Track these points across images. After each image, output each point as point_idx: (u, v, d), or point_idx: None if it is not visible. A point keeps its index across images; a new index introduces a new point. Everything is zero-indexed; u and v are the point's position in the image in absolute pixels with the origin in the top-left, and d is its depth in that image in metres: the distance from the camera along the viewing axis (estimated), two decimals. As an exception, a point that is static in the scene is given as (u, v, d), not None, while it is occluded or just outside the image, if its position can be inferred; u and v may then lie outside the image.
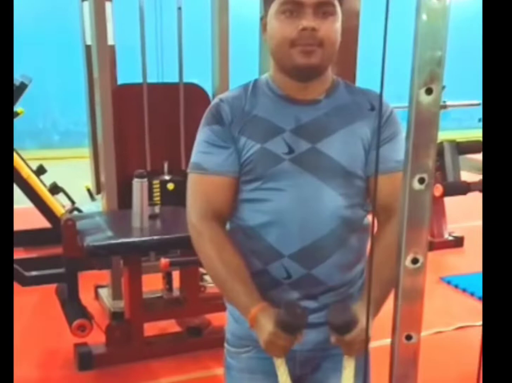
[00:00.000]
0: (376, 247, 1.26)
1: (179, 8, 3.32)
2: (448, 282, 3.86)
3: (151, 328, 2.92)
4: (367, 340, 1.23)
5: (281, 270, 1.31)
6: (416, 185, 0.69)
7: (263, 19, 1.31)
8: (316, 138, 1.28)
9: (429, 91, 0.64)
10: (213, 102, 1.36)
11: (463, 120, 9.53)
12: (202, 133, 1.34)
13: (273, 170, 1.28)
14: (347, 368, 1.25)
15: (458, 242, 4.55)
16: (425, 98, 0.64)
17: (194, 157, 1.34)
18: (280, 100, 1.32)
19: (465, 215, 5.00)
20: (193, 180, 1.34)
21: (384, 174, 1.24)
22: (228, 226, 1.38)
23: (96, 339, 2.77)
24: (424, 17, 0.61)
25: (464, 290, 3.72)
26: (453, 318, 3.33)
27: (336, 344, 1.23)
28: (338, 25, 1.26)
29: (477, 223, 4.19)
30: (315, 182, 1.27)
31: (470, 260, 4.09)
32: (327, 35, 1.24)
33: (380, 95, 0.73)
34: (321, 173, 1.27)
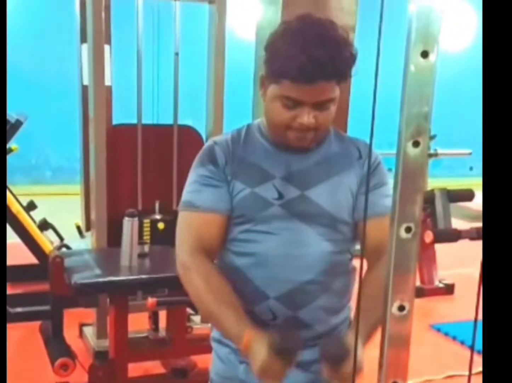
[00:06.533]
0: (365, 288, 1.26)
1: (176, 54, 3.39)
2: (438, 330, 3.84)
3: (135, 369, 2.86)
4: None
5: (266, 311, 1.32)
6: (403, 234, 0.70)
7: (262, 78, 1.30)
8: (305, 186, 1.31)
9: (416, 144, 0.66)
10: (207, 144, 1.38)
11: (455, 168, 9.63)
12: (195, 174, 1.35)
13: (263, 214, 1.30)
14: None
15: (448, 289, 4.53)
16: (412, 151, 0.66)
17: (186, 196, 1.35)
18: (272, 147, 1.35)
19: (456, 262, 5.00)
20: (184, 217, 1.34)
21: (373, 218, 1.26)
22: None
23: (79, 378, 2.71)
24: (411, 74, 0.64)
25: (454, 338, 3.69)
26: (443, 366, 3.28)
27: (329, 378, 1.20)
28: (335, 107, 1.28)
29: (468, 270, 4.20)
30: (302, 227, 1.30)
31: (461, 308, 4.06)
32: (323, 122, 1.28)
33: (370, 145, 0.75)
34: (309, 219, 1.30)
